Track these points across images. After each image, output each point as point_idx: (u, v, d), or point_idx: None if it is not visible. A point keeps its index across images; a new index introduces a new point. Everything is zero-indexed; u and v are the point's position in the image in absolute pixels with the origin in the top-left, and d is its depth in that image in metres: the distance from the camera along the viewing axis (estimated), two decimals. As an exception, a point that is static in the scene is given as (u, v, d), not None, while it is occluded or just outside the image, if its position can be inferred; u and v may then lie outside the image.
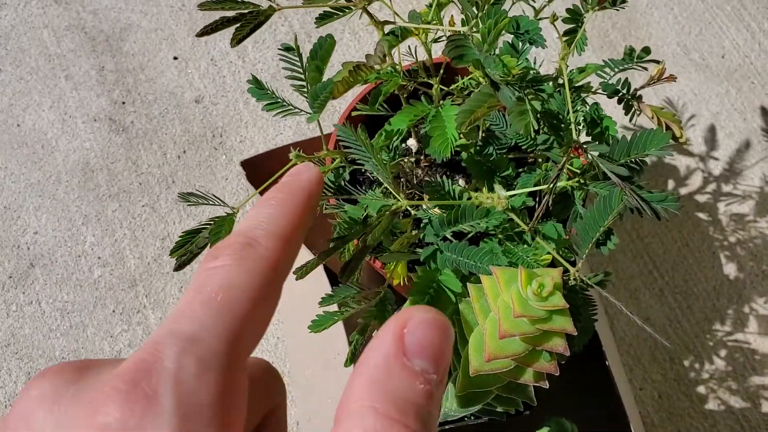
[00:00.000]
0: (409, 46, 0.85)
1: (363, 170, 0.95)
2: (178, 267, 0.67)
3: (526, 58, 0.76)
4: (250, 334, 0.31)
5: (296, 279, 0.68)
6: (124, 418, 0.26)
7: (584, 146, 0.73)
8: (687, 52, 1.35)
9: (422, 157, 0.96)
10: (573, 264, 0.72)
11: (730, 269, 1.19)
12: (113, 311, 1.17)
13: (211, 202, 0.68)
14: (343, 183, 0.79)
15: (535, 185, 0.81)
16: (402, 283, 0.86)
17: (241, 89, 1.33)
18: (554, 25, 0.76)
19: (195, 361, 0.28)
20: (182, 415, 0.27)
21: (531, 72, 0.77)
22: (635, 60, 0.81)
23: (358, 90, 0.90)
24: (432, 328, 0.28)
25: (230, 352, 0.29)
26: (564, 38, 0.76)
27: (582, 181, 0.74)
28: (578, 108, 0.76)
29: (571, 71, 0.81)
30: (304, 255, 0.97)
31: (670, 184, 1.25)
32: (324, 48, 0.73)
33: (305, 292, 1.08)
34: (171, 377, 0.27)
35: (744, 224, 1.22)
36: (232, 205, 0.69)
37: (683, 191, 1.24)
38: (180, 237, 0.67)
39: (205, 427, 0.27)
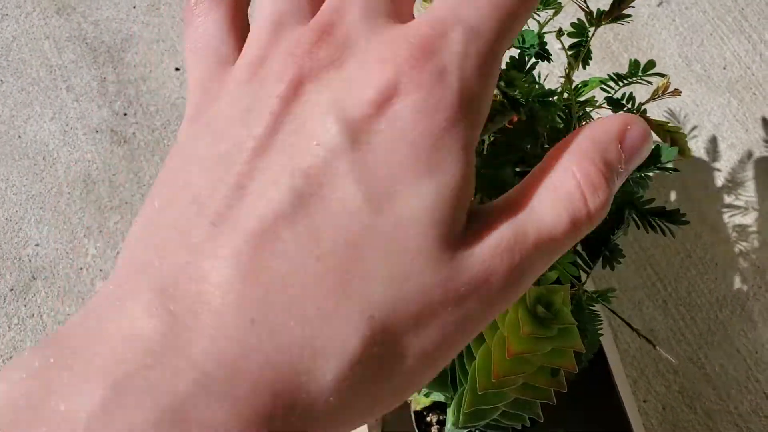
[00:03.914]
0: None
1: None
2: None
3: (532, 74, 0.76)
4: (508, 41, 0.28)
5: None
6: (412, 79, 0.25)
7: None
8: (688, 63, 1.36)
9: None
10: (578, 279, 0.72)
11: (732, 281, 1.19)
12: (115, 324, 1.17)
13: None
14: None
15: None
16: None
17: (243, 100, 1.33)
18: (560, 41, 0.75)
19: (476, 55, 0.26)
20: (463, 103, 0.25)
21: (536, 87, 0.77)
22: (640, 74, 0.81)
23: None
24: (645, 139, 0.30)
25: (499, 54, 0.27)
26: (569, 52, 0.75)
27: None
28: (584, 123, 0.76)
29: (576, 85, 0.81)
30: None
31: (672, 195, 1.25)
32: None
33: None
34: (458, 62, 0.25)
35: (747, 235, 1.22)
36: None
37: (686, 202, 1.24)
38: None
39: (478, 116, 0.27)
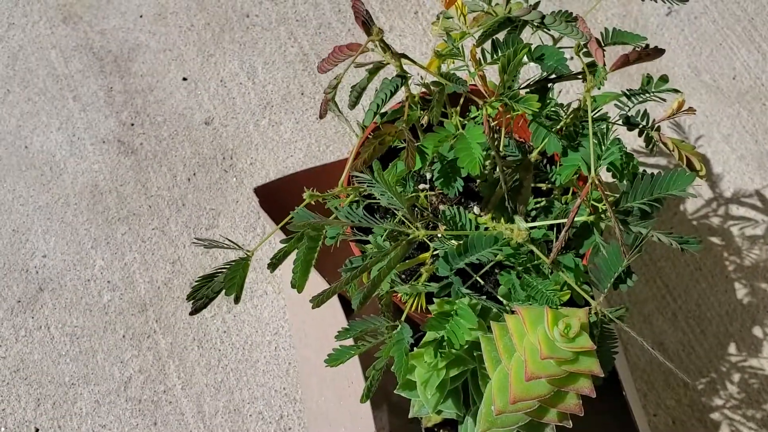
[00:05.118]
0: (421, 77, 0.84)
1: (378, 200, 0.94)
2: (194, 311, 0.66)
3: (550, 95, 0.76)
4: None
5: (312, 308, 0.67)
6: None
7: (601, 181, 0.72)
8: (698, 74, 1.35)
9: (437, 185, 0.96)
10: (592, 297, 0.71)
11: (743, 293, 1.18)
12: (123, 336, 1.16)
13: (226, 246, 0.68)
14: (360, 215, 0.78)
15: (555, 217, 0.81)
16: (418, 310, 0.85)
17: (251, 111, 1.32)
18: (579, 56, 0.75)
19: None
20: None
21: (553, 104, 0.76)
22: (653, 91, 0.80)
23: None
24: None
25: None
26: (589, 70, 0.75)
27: (602, 216, 0.74)
28: (601, 142, 0.75)
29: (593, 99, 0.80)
30: (319, 283, 0.96)
31: (682, 206, 1.24)
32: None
33: (317, 318, 1.07)
34: None
35: (757, 247, 1.21)
36: (247, 248, 0.68)
37: (695, 214, 1.24)
38: (196, 281, 0.66)
39: None
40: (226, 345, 1.16)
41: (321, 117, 0.75)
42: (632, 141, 1.24)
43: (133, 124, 1.32)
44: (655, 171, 0.70)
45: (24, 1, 1.43)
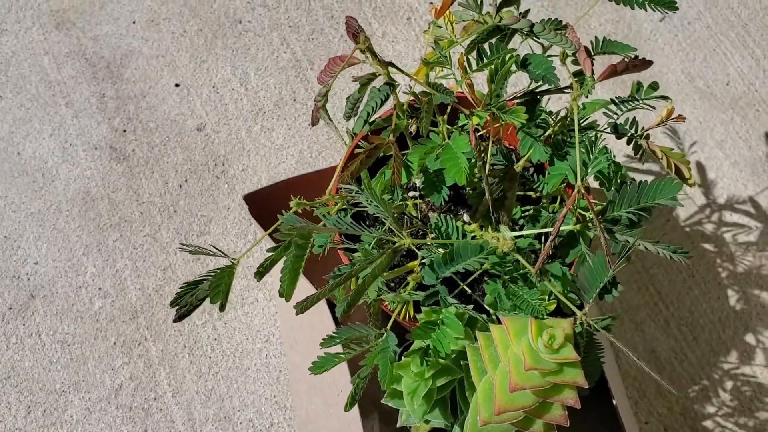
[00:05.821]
0: (409, 85, 0.84)
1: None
2: (178, 318, 0.66)
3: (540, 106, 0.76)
4: None
5: (296, 314, 0.66)
6: None
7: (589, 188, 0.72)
8: (691, 80, 1.35)
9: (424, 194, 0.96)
10: (579, 307, 0.71)
11: (735, 300, 1.18)
12: (114, 343, 1.16)
13: (212, 254, 0.67)
14: (348, 223, 0.78)
15: (542, 226, 0.80)
16: (407, 318, 0.85)
17: (243, 117, 1.32)
18: (566, 65, 0.75)
19: None
20: None
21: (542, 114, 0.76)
22: (642, 98, 0.80)
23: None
24: None
25: None
26: (575, 79, 0.75)
27: (589, 225, 0.73)
28: (589, 151, 0.75)
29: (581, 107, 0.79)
30: (309, 290, 0.96)
31: (675, 213, 1.24)
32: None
33: (306, 325, 1.07)
34: None
35: (750, 254, 1.21)
36: (238, 255, 0.68)
37: (688, 221, 1.24)
38: (180, 288, 0.66)
39: None
40: (217, 352, 1.15)
41: (312, 125, 0.75)
42: (625, 148, 1.24)
43: (125, 131, 1.32)
44: (650, 177, 0.70)
45: (17, 7, 1.43)
